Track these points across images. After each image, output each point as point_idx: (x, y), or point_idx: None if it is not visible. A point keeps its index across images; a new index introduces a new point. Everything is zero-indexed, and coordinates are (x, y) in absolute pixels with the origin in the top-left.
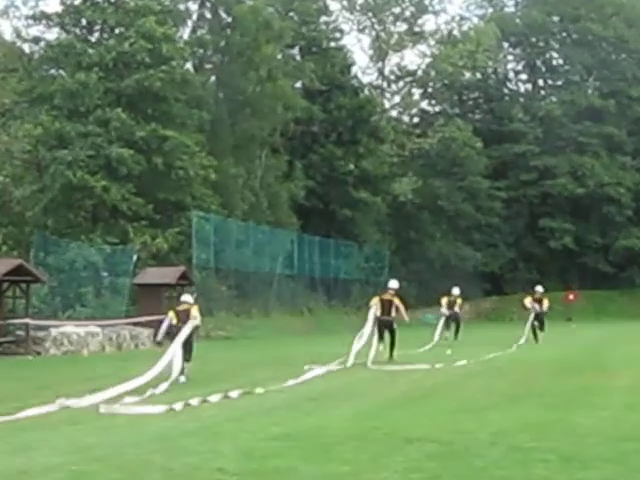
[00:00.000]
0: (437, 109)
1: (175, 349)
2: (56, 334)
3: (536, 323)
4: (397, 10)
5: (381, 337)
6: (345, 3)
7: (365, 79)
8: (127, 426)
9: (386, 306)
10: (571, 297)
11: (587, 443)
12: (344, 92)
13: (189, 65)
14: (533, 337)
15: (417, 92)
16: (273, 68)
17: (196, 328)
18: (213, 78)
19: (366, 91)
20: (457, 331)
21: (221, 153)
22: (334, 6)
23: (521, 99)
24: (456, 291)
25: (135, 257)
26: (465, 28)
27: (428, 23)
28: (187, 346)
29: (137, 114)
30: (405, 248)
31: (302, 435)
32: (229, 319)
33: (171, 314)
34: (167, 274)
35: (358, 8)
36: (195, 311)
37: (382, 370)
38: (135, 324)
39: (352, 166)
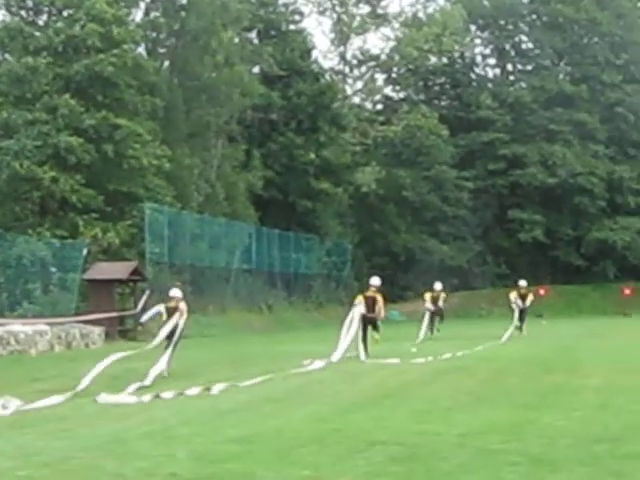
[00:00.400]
0: (401, 95)
1: (171, 346)
2: (2, 333)
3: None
4: None
5: (364, 333)
6: None
7: (326, 64)
8: (78, 429)
9: (370, 303)
10: (542, 292)
11: (558, 445)
12: (304, 78)
13: (141, 49)
14: (519, 330)
15: (380, 77)
16: (230, 53)
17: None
18: (167, 63)
19: (327, 76)
20: (440, 322)
21: (175, 142)
22: None
23: (489, 85)
24: (438, 286)
25: (85, 251)
26: (430, 10)
27: (392, 5)
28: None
29: (87, 101)
30: (368, 241)
31: (260, 438)
32: None
33: (161, 307)
34: (119, 269)
35: None
36: (183, 305)
37: (377, 363)
38: (85, 322)
39: (313, 155)
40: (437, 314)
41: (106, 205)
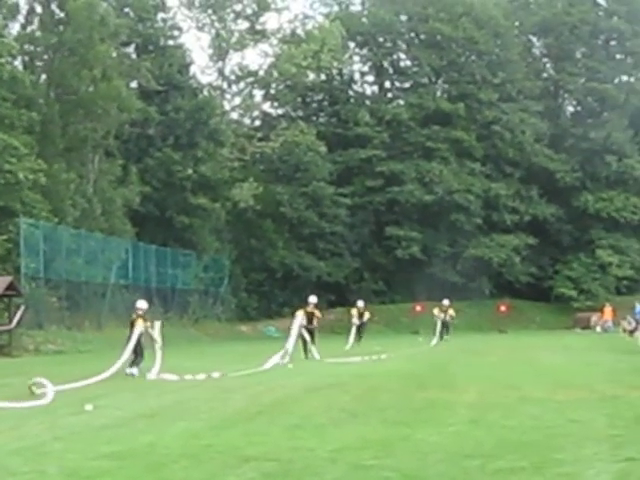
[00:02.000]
0: (280, 112)
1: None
2: None
3: (440, 328)
4: (238, 7)
5: (305, 340)
6: None
7: (204, 79)
8: None
9: (310, 317)
10: (418, 308)
11: (430, 460)
12: (182, 93)
13: (18, 63)
14: (440, 339)
15: (259, 93)
16: (108, 67)
17: (140, 335)
18: (44, 77)
19: (205, 92)
20: (360, 337)
21: (52, 156)
22: (172, 2)
23: (367, 102)
24: (361, 303)
25: None
26: (309, 27)
27: (270, 21)
28: (136, 350)
29: None
30: (246, 257)
31: (133, 454)
32: (60, 332)
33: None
34: None
35: (197, 5)
36: (140, 321)
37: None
38: None
39: (190, 171)
40: (361, 327)
41: None
